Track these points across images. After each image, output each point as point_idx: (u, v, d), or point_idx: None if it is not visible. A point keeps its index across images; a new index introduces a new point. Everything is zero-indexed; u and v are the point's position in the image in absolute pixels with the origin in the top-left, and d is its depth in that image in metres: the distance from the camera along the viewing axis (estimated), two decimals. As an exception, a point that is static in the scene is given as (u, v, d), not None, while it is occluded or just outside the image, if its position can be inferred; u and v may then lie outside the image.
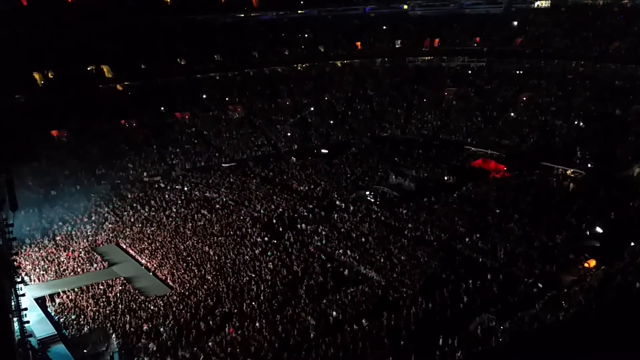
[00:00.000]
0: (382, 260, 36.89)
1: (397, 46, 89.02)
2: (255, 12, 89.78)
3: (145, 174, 58.45)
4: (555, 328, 28.71)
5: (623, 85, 67.88)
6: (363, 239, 40.41)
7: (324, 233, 41.83)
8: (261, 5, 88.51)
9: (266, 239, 41.12)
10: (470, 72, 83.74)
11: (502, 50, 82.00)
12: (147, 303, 32.76)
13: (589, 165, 53.71)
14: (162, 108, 71.53)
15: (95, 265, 38.36)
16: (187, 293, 33.78)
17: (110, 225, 45.10)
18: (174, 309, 31.83)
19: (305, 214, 45.71)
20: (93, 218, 46.85)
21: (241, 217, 45.68)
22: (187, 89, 76.17)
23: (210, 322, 30.39)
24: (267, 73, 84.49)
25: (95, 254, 40.05)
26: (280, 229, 43.18)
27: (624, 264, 34.25)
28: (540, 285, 32.55)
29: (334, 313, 30.76)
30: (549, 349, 27.36)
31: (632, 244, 36.91)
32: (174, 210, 47.96)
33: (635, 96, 63.38)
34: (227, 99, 76.15)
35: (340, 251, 38.94)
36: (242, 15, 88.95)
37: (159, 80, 75.81)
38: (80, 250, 40.52)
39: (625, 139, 57.10)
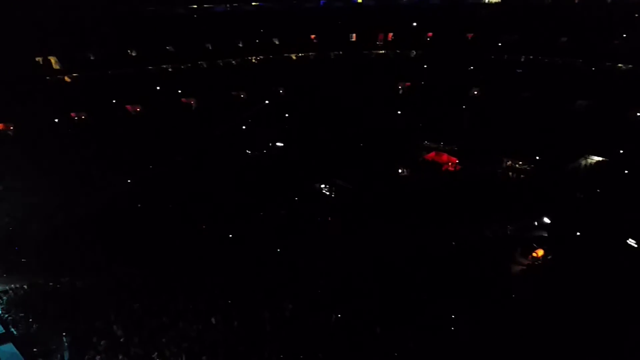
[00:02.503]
0: (338, 252, 37.09)
1: (352, 39, 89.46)
2: (209, 4, 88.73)
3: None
4: (506, 316, 29.61)
5: (570, 80, 69.99)
6: (319, 231, 40.54)
7: (281, 225, 41.75)
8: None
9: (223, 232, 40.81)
10: (424, 66, 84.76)
11: (454, 44, 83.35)
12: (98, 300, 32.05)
13: (537, 157, 55.14)
14: (113, 100, 70.01)
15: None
16: (140, 289, 33.23)
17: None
18: (127, 305, 31.27)
19: (262, 206, 45.51)
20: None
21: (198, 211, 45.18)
22: (138, 80, 74.65)
23: (164, 318, 29.99)
24: (221, 65, 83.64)
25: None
26: (237, 222, 42.89)
27: (570, 253, 35.56)
28: (489, 275, 33.36)
29: (290, 306, 30.77)
30: (500, 338, 28.09)
31: (578, 233, 38.26)
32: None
33: (581, 90, 65.47)
34: (179, 91, 75.01)
35: (297, 244, 38.93)
36: (195, 6, 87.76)
37: (109, 72, 74.23)
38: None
39: (572, 132, 58.83)
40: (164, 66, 79.23)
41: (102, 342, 27.73)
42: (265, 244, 39.20)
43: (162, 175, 53.91)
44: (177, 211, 45.28)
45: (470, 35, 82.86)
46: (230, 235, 40.44)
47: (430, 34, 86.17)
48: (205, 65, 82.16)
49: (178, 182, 52.22)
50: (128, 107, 69.94)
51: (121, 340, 28.15)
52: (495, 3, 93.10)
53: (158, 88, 73.70)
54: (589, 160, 53.73)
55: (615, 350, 27.08)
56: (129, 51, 74.99)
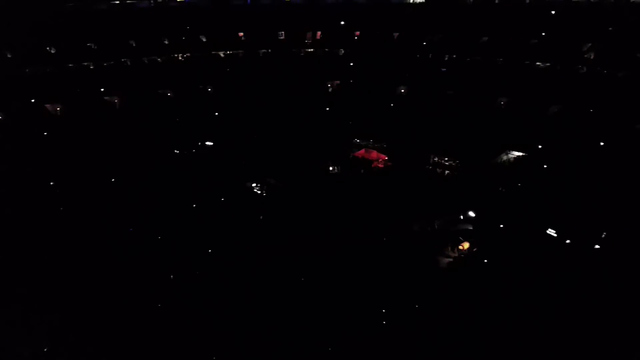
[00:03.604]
0: (269, 250, 37.02)
1: (280, 38, 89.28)
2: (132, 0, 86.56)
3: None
4: (434, 309, 30.42)
5: (491, 78, 72.67)
6: (250, 230, 40.43)
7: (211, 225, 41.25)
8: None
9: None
10: (351, 64, 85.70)
11: (381, 43, 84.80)
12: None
13: (462, 154, 56.82)
14: (32, 100, 66.86)
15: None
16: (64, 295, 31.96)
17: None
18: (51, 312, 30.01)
19: (192, 206, 44.79)
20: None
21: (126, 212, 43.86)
22: (58, 79, 71.61)
23: (90, 325, 28.98)
24: (146, 63, 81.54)
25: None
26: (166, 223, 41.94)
27: (494, 245, 37.08)
28: (419, 269, 34.25)
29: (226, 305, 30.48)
30: (433, 331, 28.39)
31: (501, 226, 39.88)
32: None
33: (501, 88, 68.12)
34: (102, 89, 72.52)
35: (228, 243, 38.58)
36: (118, 2, 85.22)
37: (27, 70, 70.90)
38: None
39: (494, 129, 61.13)
40: (86, 64, 76.39)
41: (26, 352, 26.62)
42: (196, 244, 38.61)
43: (86, 177, 52.03)
44: (103, 214, 43.82)
45: (396, 35, 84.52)
46: (159, 237, 39.54)
47: (357, 33, 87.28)
48: (129, 63, 79.87)
49: (103, 183, 50.58)
50: (47, 106, 66.98)
51: (45, 350, 27.11)
52: (420, 3, 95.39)
53: (79, 90, 70.99)
54: (510, 156, 55.90)
55: (540, 337, 28.35)
56: (48, 49, 71.86)
